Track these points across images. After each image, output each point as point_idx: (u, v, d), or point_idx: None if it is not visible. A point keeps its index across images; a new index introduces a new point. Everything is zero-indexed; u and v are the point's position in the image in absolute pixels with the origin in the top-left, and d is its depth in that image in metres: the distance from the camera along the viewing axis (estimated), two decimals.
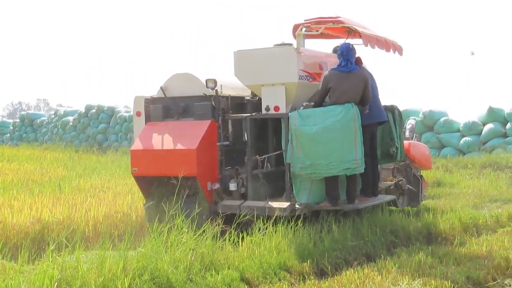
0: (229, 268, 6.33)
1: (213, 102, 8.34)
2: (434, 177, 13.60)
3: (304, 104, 8.26)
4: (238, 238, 7.14)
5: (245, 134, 8.43)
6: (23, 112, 36.96)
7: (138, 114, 8.86)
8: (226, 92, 8.59)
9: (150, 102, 8.85)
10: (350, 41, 8.70)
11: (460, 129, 18.27)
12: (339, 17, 8.67)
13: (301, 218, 7.91)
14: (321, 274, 6.69)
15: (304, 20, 8.74)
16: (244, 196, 8.29)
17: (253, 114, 8.49)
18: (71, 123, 29.06)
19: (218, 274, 6.14)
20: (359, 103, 7.98)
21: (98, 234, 7.92)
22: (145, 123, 8.78)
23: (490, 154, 16.79)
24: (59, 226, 7.91)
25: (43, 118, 32.54)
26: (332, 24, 8.63)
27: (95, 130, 27.64)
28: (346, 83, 7.90)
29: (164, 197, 8.16)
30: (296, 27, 8.68)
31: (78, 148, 25.59)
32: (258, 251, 6.77)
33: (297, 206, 7.94)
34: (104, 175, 13.45)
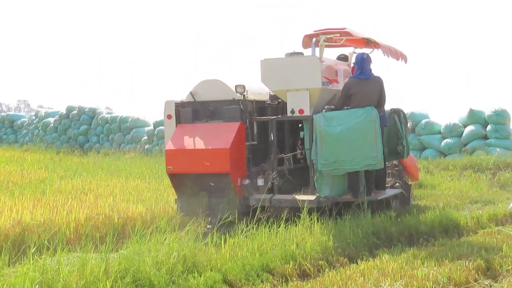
0: (211, 270, 6.32)
1: (241, 106, 9.07)
2: None
3: (326, 107, 9.11)
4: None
5: (271, 134, 9.23)
6: (3, 113, 36.61)
7: (169, 117, 9.50)
8: (250, 97, 9.35)
9: (180, 105, 9.48)
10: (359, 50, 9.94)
11: (441, 131, 18.40)
12: (345, 28, 9.64)
13: (283, 219, 7.96)
14: (303, 275, 6.70)
15: (313, 31, 9.59)
16: (270, 191, 8.92)
17: (279, 116, 9.31)
18: (52, 125, 28.87)
19: (200, 276, 6.13)
20: (376, 106, 8.85)
21: (80, 236, 7.88)
22: (176, 126, 9.39)
23: (470, 156, 16.92)
24: (40, 228, 7.85)
25: (23, 119, 32.30)
26: (339, 35, 9.58)
27: (76, 131, 27.48)
28: (365, 89, 8.85)
29: (195, 193, 8.96)
30: (306, 37, 9.61)
31: (59, 149, 25.42)
32: (241, 253, 6.77)
33: (321, 198, 8.74)
34: (85, 177, 13.38)
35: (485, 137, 18.28)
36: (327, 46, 9.61)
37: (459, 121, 18.83)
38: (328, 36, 9.46)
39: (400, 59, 10.08)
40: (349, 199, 9.07)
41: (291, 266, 6.66)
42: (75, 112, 27.80)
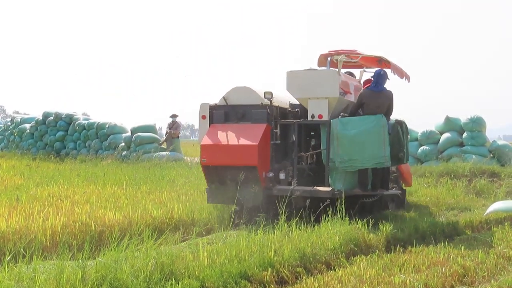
0: (189, 278, 6.29)
1: (268, 110, 10.30)
2: None
3: (342, 114, 10.51)
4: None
5: (293, 135, 10.63)
6: None
7: (203, 117, 10.74)
8: (275, 103, 10.50)
9: (213, 108, 10.72)
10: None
11: (418, 138, 18.58)
12: (356, 50, 11.12)
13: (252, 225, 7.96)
14: (281, 282, 6.70)
15: (328, 51, 11.12)
16: (290, 183, 10.04)
17: (301, 120, 10.64)
18: (28, 131, 28.58)
19: (178, 283, 6.09)
20: (385, 115, 10.24)
21: (56, 244, 7.79)
22: (209, 125, 10.61)
23: (447, 163, 17.10)
24: (15, 236, 7.75)
25: None
26: (349, 56, 10.96)
27: (53, 137, 27.25)
28: (377, 100, 10.30)
29: (224, 182, 10.11)
30: (322, 56, 11.31)
31: (35, 156, 25.16)
32: (219, 260, 6.75)
33: (336, 191, 9.84)
34: (62, 184, 13.27)
35: (461, 144, 18.49)
36: (344, 65, 11.10)
37: (436, 128, 19.03)
38: (346, 54, 10.80)
39: (404, 78, 11.36)
40: (358, 192, 10.46)
41: (269, 273, 6.65)
42: (51, 118, 27.57)
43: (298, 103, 10.94)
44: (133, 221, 8.87)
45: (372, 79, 10.66)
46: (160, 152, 22.61)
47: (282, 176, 10.26)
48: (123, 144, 24.18)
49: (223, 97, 10.74)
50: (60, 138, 27.06)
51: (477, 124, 18.41)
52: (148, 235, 7.05)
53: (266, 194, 9.99)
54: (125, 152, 23.70)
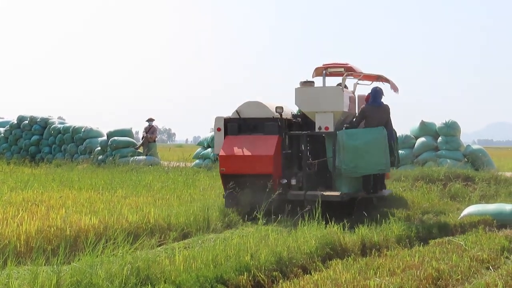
0: (165, 282, 6.27)
1: (279, 123, 11.36)
2: None
3: (345, 125, 11.82)
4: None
5: (302, 145, 11.83)
6: None
7: (219, 129, 11.70)
8: (283, 116, 11.50)
9: (227, 121, 11.67)
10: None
11: None
12: (348, 63, 12.32)
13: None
14: (257, 286, 6.70)
15: (322, 64, 12.37)
16: (301, 188, 11.23)
17: (308, 132, 11.73)
18: (2, 135, 28.29)
19: None
20: (384, 127, 11.44)
21: (31, 249, 7.71)
22: (224, 137, 11.53)
23: (422, 167, 17.21)
24: None
25: None
26: (343, 69, 12.33)
27: (27, 141, 27.01)
28: (377, 114, 11.54)
29: (241, 189, 10.93)
30: (317, 69, 12.48)
31: (9, 160, 24.93)
32: (195, 265, 6.75)
33: (343, 194, 11.07)
34: (37, 188, 13.16)
35: (436, 149, 18.65)
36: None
37: (411, 132, 19.19)
38: (349, 72, 12.07)
39: (395, 90, 12.51)
40: (362, 195, 11.72)
41: (245, 277, 6.66)
42: (26, 122, 27.33)
43: (296, 112, 12.18)
44: (108, 225, 8.81)
45: (370, 95, 11.79)
46: (136, 157, 22.51)
47: (293, 181, 11.19)
48: (99, 148, 24.05)
49: (236, 111, 11.69)
50: (35, 142, 26.84)
51: (451, 129, 18.59)
52: (124, 240, 7.02)
53: (279, 198, 10.59)
54: (101, 156, 23.57)
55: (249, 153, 11.02)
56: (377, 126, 11.41)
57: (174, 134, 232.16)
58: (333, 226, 8.76)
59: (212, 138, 21.50)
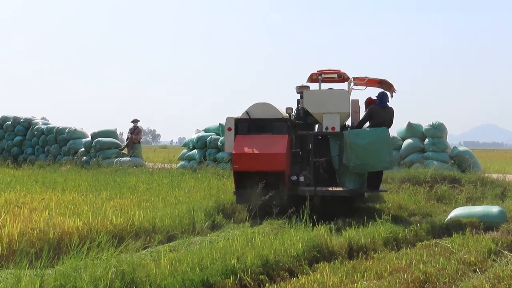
0: (150, 286, 6.24)
1: (288, 123, 12.15)
2: None
3: (348, 125, 12.89)
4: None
5: (310, 144, 12.66)
6: None
7: (229, 129, 12.34)
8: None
9: (238, 121, 12.34)
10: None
11: None
12: (340, 70, 13.59)
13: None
14: None
15: (317, 70, 13.42)
16: (309, 185, 11.94)
17: (316, 131, 12.86)
18: None
19: None
20: (388, 127, 12.30)
21: (13, 252, 7.63)
22: (235, 136, 12.17)
23: (409, 169, 17.29)
24: None
25: None
26: (336, 75, 13.81)
27: (10, 142, 26.83)
28: (382, 114, 12.31)
29: (252, 186, 11.25)
30: (312, 75, 13.52)
31: None
32: (181, 268, 6.72)
33: (351, 190, 12.01)
34: (19, 190, 13.05)
35: (423, 151, 18.74)
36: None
37: (398, 134, 19.27)
38: (355, 76, 12.81)
39: (393, 92, 13.16)
40: (367, 191, 12.53)
41: (231, 280, 6.65)
42: (9, 122, 27.15)
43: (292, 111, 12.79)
44: (93, 228, 8.76)
45: (377, 98, 12.54)
46: (121, 158, 22.43)
47: (302, 179, 11.90)
48: (83, 149, 23.93)
49: (246, 112, 12.37)
50: (18, 143, 26.67)
51: (438, 130, 18.69)
52: (108, 242, 6.98)
53: (290, 194, 11.54)
54: (85, 157, 23.46)
55: (263, 151, 11.63)
56: (381, 126, 12.15)
57: (159, 135, 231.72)
58: (320, 229, 8.77)
59: (198, 139, 21.50)
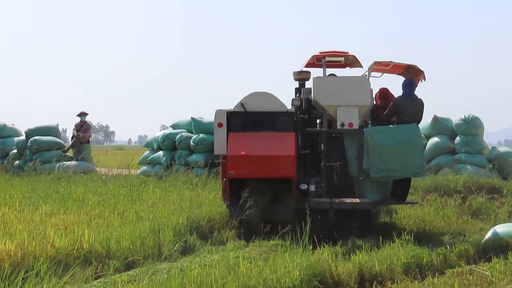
0: None
1: (295, 118, 12.34)
2: None
3: (360, 120, 12.58)
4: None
5: (321, 145, 12.54)
6: None
7: (220, 125, 12.34)
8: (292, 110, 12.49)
9: (231, 115, 12.40)
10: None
11: None
12: (347, 52, 13.65)
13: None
14: None
15: (319, 52, 13.55)
16: (320, 195, 12.04)
17: (328, 129, 12.58)
18: None
19: None
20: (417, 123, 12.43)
21: None
22: (227, 134, 12.17)
23: (435, 175, 17.31)
24: None
25: None
26: (343, 59, 13.90)
27: None
28: (411, 107, 12.37)
29: (251, 197, 11.32)
30: (313, 58, 13.72)
31: None
32: None
33: (371, 201, 12.05)
34: None
35: (453, 152, 18.81)
36: (375, 70, 13.19)
37: (421, 131, 19.33)
38: (378, 61, 12.77)
39: (421, 80, 13.24)
40: (392, 203, 12.70)
41: None
42: None
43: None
44: (29, 252, 8.72)
45: (403, 88, 12.54)
46: (65, 162, 22.33)
47: (312, 188, 11.93)
48: (15, 151, 23.81)
49: (241, 103, 12.43)
50: None
51: (472, 126, 18.78)
52: (50, 271, 6.95)
53: (298, 207, 11.56)
54: (18, 161, 23.34)
55: (267, 153, 11.70)
56: (409, 122, 12.25)
57: (113, 132, 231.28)
58: (323, 252, 8.78)
59: (165, 138, 21.47)
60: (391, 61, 13.00)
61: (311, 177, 12.26)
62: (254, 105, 12.41)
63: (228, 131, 12.31)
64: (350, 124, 12.29)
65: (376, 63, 12.88)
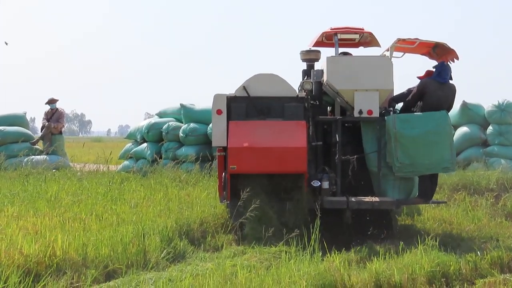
0: None
1: (306, 104, 12.24)
2: None
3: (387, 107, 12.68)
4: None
5: (336, 135, 12.49)
6: None
7: (219, 112, 12.28)
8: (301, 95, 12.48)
9: (232, 100, 12.34)
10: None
11: None
12: (363, 28, 13.68)
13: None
14: None
15: (331, 28, 13.51)
16: (334, 194, 12.10)
17: (344, 117, 12.65)
18: None
19: None
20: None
21: None
22: (228, 122, 12.14)
23: (464, 171, 17.32)
24: None
25: None
26: (358, 36, 13.97)
27: None
28: (440, 92, 12.33)
29: (255, 195, 11.40)
30: (323, 35, 13.68)
31: None
32: None
33: (395, 200, 12.01)
34: None
35: (485, 144, 18.82)
36: (398, 49, 12.98)
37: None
38: (401, 38, 12.57)
39: (452, 61, 13.07)
40: (419, 202, 12.71)
41: None
42: None
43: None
44: None
45: (435, 68, 12.54)
46: (34, 156, 22.36)
47: (325, 185, 11.93)
48: None
49: (243, 87, 12.35)
50: None
51: (507, 114, 18.80)
52: (18, 282, 6.98)
53: (309, 208, 11.62)
54: None
55: (274, 145, 11.70)
56: (437, 109, 12.23)
57: (89, 122, 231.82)
58: (334, 260, 8.80)
59: (149, 128, 21.49)
60: (417, 38, 12.80)
61: (324, 173, 12.22)
62: (258, 89, 12.34)
63: (229, 119, 12.25)
64: (370, 112, 12.23)
65: (399, 40, 12.66)
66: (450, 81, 12.56)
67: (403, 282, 8.74)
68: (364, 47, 14.70)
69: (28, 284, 7.32)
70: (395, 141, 12.07)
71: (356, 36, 13.98)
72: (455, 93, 12.61)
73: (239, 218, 11.37)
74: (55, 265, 9.09)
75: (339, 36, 13.43)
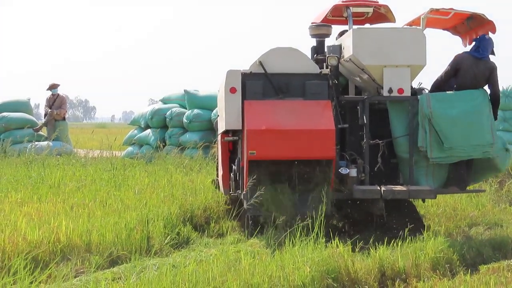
0: None
1: (330, 82, 11.24)
2: None
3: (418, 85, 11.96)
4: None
5: (364, 117, 11.52)
6: None
7: (233, 90, 11.21)
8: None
9: (247, 77, 11.27)
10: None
11: None
12: (377, 1, 12.78)
13: None
14: None
15: (342, 1, 12.54)
16: (362, 182, 11.22)
17: (373, 96, 11.65)
18: None
19: None
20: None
21: None
22: (243, 102, 11.13)
23: None
24: None
25: None
26: (371, 9, 12.88)
27: None
28: (476, 69, 11.46)
29: (275, 183, 10.80)
30: (333, 8, 12.61)
31: None
32: None
33: (432, 189, 11.27)
34: None
35: None
36: (429, 24, 12.09)
37: None
38: (435, 8, 11.77)
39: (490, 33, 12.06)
40: (455, 191, 11.94)
41: None
42: None
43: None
44: None
45: (475, 42, 11.71)
46: (38, 142, 22.37)
47: (353, 173, 11.10)
48: None
49: (259, 61, 11.34)
50: None
51: None
52: (23, 268, 6.99)
53: (335, 198, 10.98)
54: None
55: (299, 127, 10.83)
56: (473, 87, 11.49)
57: (93, 108, 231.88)
58: (338, 246, 8.80)
59: (153, 114, 21.51)
60: (451, 8, 11.87)
61: (352, 159, 11.43)
62: (276, 64, 11.35)
63: (244, 98, 11.19)
64: (400, 90, 11.40)
65: (432, 10, 11.74)
66: (493, 56, 11.73)
67: (407, 268, 8.74)
68: (371, 24, 13.56)
69: (31, 270, 7.31)
70: (430, 123, 11.19)
71: (370, 10, 12.91)
72: (494, 70, 11.62)
73: (257, 211, 10.66)
74: (59, 251, 9.11)
75: (352, 9, 12.46)
